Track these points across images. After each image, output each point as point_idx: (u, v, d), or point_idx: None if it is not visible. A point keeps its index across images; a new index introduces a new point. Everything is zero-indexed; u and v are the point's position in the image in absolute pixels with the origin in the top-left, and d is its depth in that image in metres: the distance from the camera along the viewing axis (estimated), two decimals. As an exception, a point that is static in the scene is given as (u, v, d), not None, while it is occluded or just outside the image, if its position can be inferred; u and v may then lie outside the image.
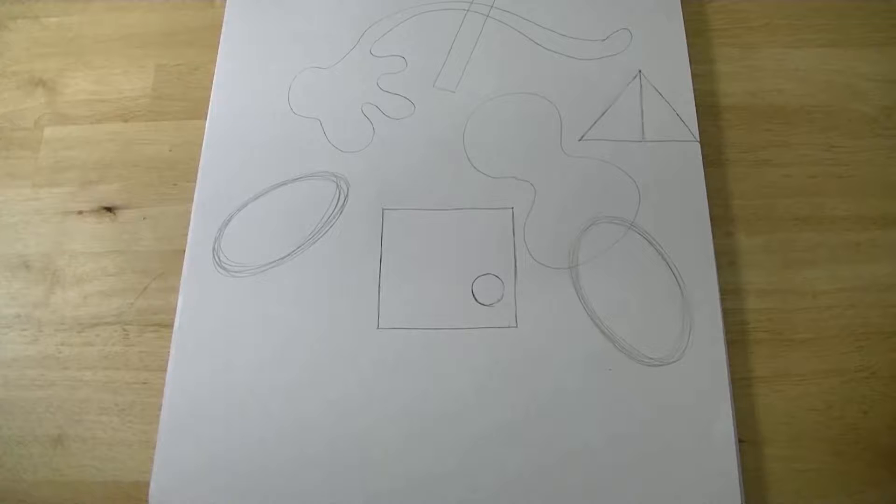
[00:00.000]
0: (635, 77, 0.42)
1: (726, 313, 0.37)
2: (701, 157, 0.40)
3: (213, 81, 0.43)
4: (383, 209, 0.40)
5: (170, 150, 0.43)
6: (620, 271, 0.38)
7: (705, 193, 0.39)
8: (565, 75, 0.42)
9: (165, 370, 0.37)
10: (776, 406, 0.37)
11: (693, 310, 0.37)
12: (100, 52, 0.47)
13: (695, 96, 0.41)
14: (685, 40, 0.43)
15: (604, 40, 0.43)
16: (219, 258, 0.39)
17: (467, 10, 0.44)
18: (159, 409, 0.36)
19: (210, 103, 0.42)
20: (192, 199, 0.40)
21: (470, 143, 0.41)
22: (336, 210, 0.40)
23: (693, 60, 0.42)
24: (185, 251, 0.39)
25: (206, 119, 0.42)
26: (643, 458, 0.34)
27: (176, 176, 0.43)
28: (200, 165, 0.41)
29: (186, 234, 0.39)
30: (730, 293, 0.38)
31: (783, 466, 0.36)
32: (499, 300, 0.37)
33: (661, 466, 0.34)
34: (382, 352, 0.36)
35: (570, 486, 0.34)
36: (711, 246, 0.38)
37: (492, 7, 0.44)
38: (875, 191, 0.41)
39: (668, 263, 0.38)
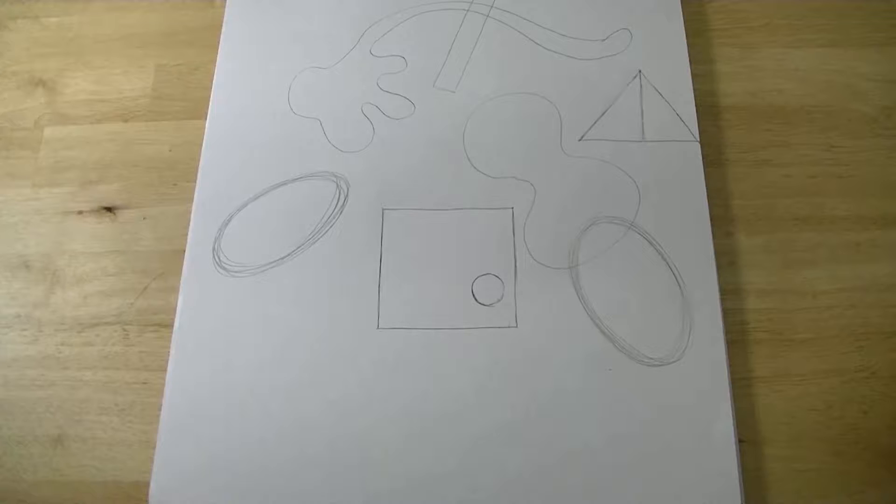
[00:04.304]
0: (635, 77, 0.42)
1: (726, 313, 0.37)
2: (701, 157, 0.40)
3: (213, 81, 0.43)
4: (383, 209, 0.40)
5: (170, 150, 0.43)
6: (620, 271, 0.38)
7: (705, 193, 0.39)
8: (565, 75, 0.42)
9: (165, 370, 0.37)
10: (776, 406, 0.37)
11: (693, 310, 0.37)
12: (100, 52, 0.47)
13: (695, 96, 0.41)
14: (685, 40, 0.43)
15: (604, 40, 0.43)
16: (219, 258, 0.39)
17: (467, 10, 0.44)
18: (159, 409, 0.36)
19: (210, 103, 0.42)
20: (192, 199, 0.40)
21: (470, 143, 0.41)
22: (336, 210, 0.40)
23: (693, 60, 0.42)
24: (185, 251, 0.39)
25: (206, 119, 0.42)
26: (643, 458, 0.34)
27: (176, 176, 0.43)
28: (200, 165, 0.41)
29: (186, 234, 0.39)
30: (730, 293, 0.38)
31: (783, 466, 0.36)
32: (499, 300, 0.37)
33: (661, 466, 0.34)
34: (382, 352, 0.36)
35: (570, 486, 0.34)
36: (711, 246, 0.38)
37: (492, 7, 0.44)
38: (875, 191, 0.41)
39: (668, 263, 0.38)
